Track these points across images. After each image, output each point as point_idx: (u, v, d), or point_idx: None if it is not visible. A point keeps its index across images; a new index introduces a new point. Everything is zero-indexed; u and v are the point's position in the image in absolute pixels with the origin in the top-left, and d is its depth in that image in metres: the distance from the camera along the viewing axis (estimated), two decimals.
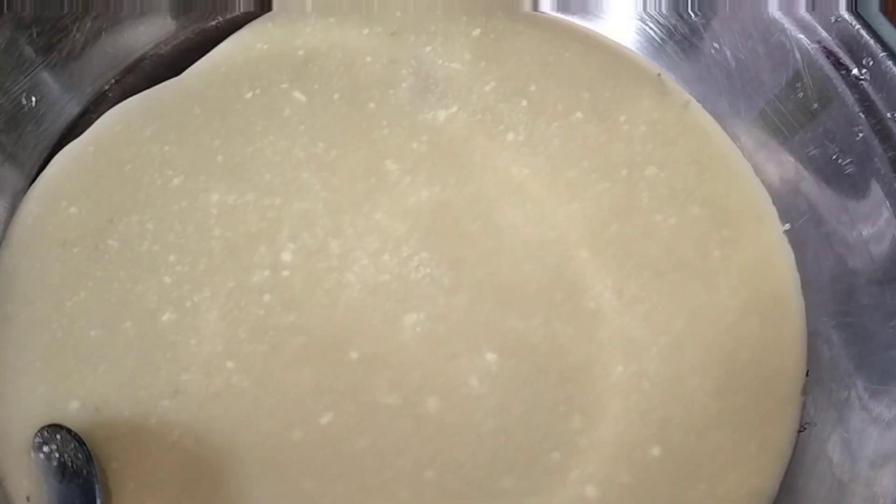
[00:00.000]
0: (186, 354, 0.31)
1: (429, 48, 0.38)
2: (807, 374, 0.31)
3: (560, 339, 0.32)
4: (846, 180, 0.32)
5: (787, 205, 0.34)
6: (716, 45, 0.36)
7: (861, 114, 0.31)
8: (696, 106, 0.37)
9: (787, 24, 0.33)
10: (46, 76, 0.34)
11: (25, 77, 0.33)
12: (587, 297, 0.33)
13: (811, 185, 0.33)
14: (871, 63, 0.31)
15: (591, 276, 0.33)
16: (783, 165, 0.34)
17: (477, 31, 0.38)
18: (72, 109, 0.36)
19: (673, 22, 0.37)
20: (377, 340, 0.32)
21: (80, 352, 0.31)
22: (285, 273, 0.33)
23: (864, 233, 0.31)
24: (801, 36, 0.33)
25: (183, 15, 0.37)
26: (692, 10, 0.35)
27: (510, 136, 0.36)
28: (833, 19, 0.32)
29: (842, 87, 0.32)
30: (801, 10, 0.32)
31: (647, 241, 0.34)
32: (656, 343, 0.32)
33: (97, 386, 0.31)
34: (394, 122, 0.36)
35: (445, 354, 0.32)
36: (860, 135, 0.31)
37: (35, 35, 0.33)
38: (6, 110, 0.33)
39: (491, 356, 0.32)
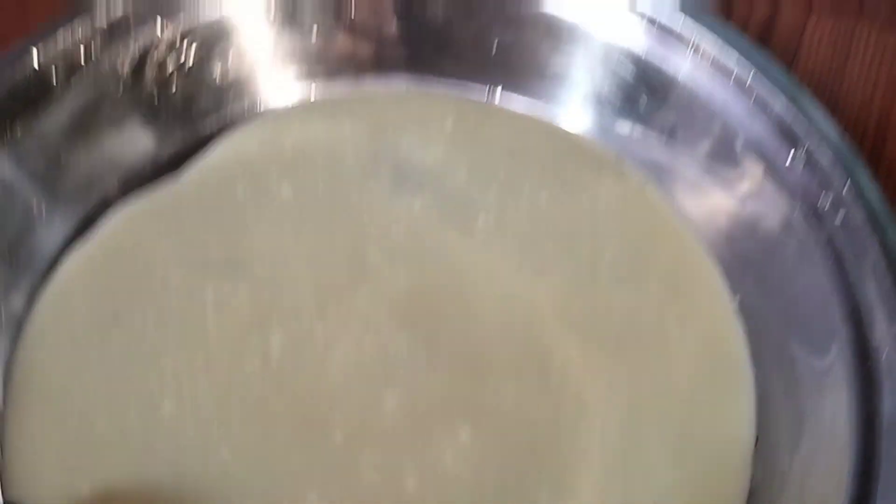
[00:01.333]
0: (185, 441, 0.34)
1: (405, 142, 0.41)
2: (756, 442, 0.34)
3: (529, 412, 0.35)
4: (789, 259, 0.34)
5: (737, 278, 0.37)
6: (668, 130, 0.39)
7: (798, 197, 0.34)
8: (652, 187, 0.39)
9: (729, 114, 0.36)
10: (56, 186, 0.38)
11: (36, 187, 0.37)
12: (554, 371, 0.36)
13: (759, 261, 0.36)
14: (804, 152, 0.34)
15: (558, 351, 0.36)
16: (733, 241, 0.37)
17: (449, 123, 0.42)
18: (79, 214, 0.39)
19: (628, 110, 0.40)
20: (360, 420, 0.34)
21: (90, 440, 0.34)
22: (275, 361, 0.36)
23: (804, 307, 0.33)
24: (743, 123, 0.36)
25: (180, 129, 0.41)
26: (642, 101, 0.39)
27: (481, 221, 0.39)
28: (771, 107, 0.35)
29: (780, 170, 0.35)
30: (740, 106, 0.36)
31: (609, 317, 0.37)
32: (619, 414, 0.35)
33: (105, 471, 0.34)
34: (374, 212, 0.40)
35: (423, 431, 0.34)
36: (797, 215, 0.34)
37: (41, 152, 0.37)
38: (19, 219, 0.37)
39: (465, 432, 0.34)
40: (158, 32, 0.39)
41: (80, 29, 0.37)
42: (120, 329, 0.37)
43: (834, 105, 0.43)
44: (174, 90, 0.40)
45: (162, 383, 0.35)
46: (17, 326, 0.37)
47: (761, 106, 0.35)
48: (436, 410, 0.35)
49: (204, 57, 0.41)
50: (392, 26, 0.41)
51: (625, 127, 0.40)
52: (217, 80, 0.41)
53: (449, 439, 0.34)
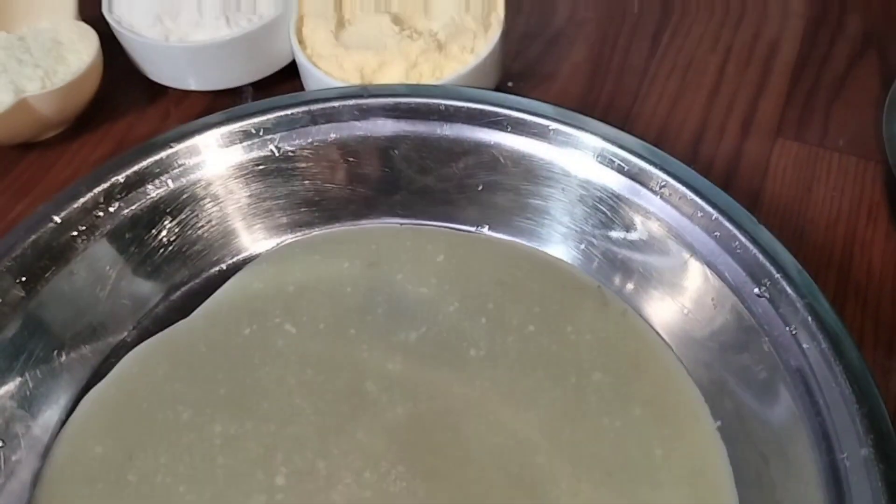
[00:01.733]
0: None
1: (400, 276, 0.44)
2: None
3: None
4: (761, 384, 0.36)
5: (717, 403, 0.39)
6: (643, 263, 0.41)
7: (765, 326, 0.36)
8: (632, 314, 0.42)
9: (698, 248, 0.39)
10: (77, 336, 0.40)
11: (58, 338, 0.40)
12: (546, 500, 0.37)
13: (734, 386, 0.38)
14: (768, 283, 0.36)
15: (548, 480, 0.38)
16: (710, 367, 0.39)
17: (441, 258, 0.45)
18: (97, 357, 0.41)
19: (605, 243, 0.42)
20: None
21: None
22: (279, 496, 0.37)
23: (779, 431, 0.35)
24: (710, 259, 0.38)
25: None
26: (617, 234, 0.42)
27: (472, 352, 0.42)
28: (735, 245, 0.38)
29: (748, 301, 0.37)
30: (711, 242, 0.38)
31: (596, 444, 0.38)
32: None
33: None
34: (372, 345, 0.42)
35: None
36: (766, 344, 0.36)
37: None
38: (43, 368, 0.39)
39: None
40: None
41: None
42: (134, 468, 0.39)
43: (801, 228, 0.46)
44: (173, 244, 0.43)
45: None
46: (37, 469, 0.39)
47: (725, 243, 0.38)
48: None
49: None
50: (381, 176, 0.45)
51: (604, 258, 0.43)
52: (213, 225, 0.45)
53: None
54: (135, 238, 0.42)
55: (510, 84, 0.55)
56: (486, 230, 0.45)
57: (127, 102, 0.56)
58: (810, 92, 0.53)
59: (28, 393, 0.39)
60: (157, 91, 0.56)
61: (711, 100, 0.53)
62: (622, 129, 0.42)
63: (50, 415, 0.40)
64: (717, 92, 0.54)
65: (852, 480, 0.32)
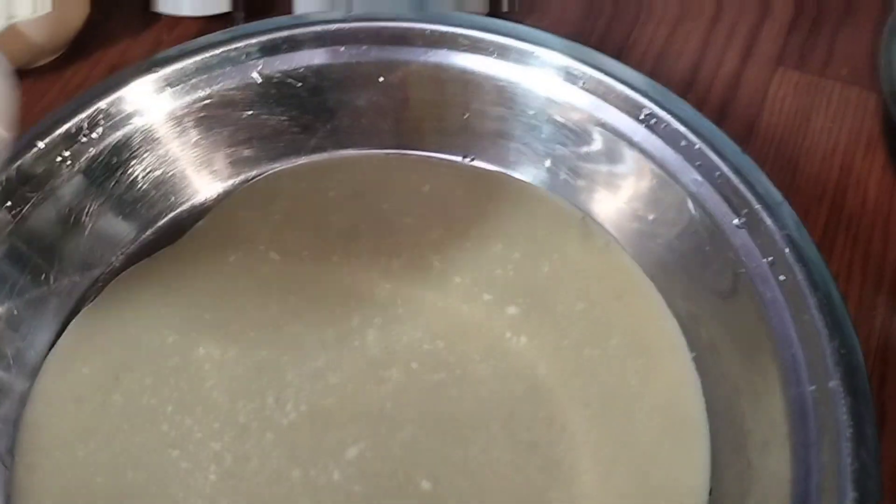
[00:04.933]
0: (183, 496, 0.37)
1: (385, 205, 0.44)
2: (710, 493, 0.35)
3: (497, 468, 0.37)
4: (738, 316, 0.36)
5: (693, 334, 0.38)
6: (626, 194, 0.41)
7: (743, 257, 0.36)
8: (616, 246, 0.42)
9: (680, 178, 0.38)
10: (64, 262, 0.41)
11: (46, 263, 0.41)
12: (522, 428, 0.38)
13: (710, 318, 0.38)
14: (747, 213, 0.36)
15: (526, 409, 0.38)
16: (689, 298, 0.39)
17: (427, 188, 0.45)
18: (86, 282, 0.42)
19: (590, 173, 0.42)
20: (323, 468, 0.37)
21: (90, 497, 0.37)
22: (267, 414, 0.38)
23: (749, 365, 0.35)
24: (692, 189, 0.38)
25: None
26: (601, 164, 0.41)
27: (457, 279, 0.42)
28: (717, 175, 0.37)
29: (727, 232, 0.37)
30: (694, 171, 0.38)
31: (576, 374, 0.39)
32: (586, 469, 0.36)
33: None
34: (356, 273, 0.42)
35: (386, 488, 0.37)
36: (744, 275, 0.36)
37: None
38: (32, 293, 0.40)
39: (426, 485, 0.36)
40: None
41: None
42: (120, 388, 0.40)
43: (796, 160, 0.45)
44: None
45: (160, 440, 0.38)
46: (26, 388, 0.40)
47: (708, 173, 0.37)
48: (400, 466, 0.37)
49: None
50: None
51: (588, 188, 0.42)
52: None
53: (409, 493, 0.36)
54: (119, 165, 0.42)
55: (504, 9, 0.54)
56: (472, 160, 0.45)
57: (119, 28, 0.56)
58: (815, 19, 0.51)
59: (17, 314, 0.40)
60: (150, 17, 0.56)
61: (712, 27, 0.51)
62: (615, 57, 0.41)
63: (40, 337, 0.41)
64: (718, 19, 0.52)
65: (819, 412, 0.32)
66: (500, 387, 0.39)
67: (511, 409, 0.38)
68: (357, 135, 0.45)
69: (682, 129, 0.38)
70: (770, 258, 0.35)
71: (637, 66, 0.41)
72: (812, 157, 0.45)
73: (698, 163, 0.37)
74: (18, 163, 0.39)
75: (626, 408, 0.38)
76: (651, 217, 0.40)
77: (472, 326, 0.40)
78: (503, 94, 0.42)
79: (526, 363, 0.39)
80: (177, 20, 0.55)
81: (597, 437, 0.37)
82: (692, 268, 0.39)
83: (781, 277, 0.35)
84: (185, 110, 0.43)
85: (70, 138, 0.41)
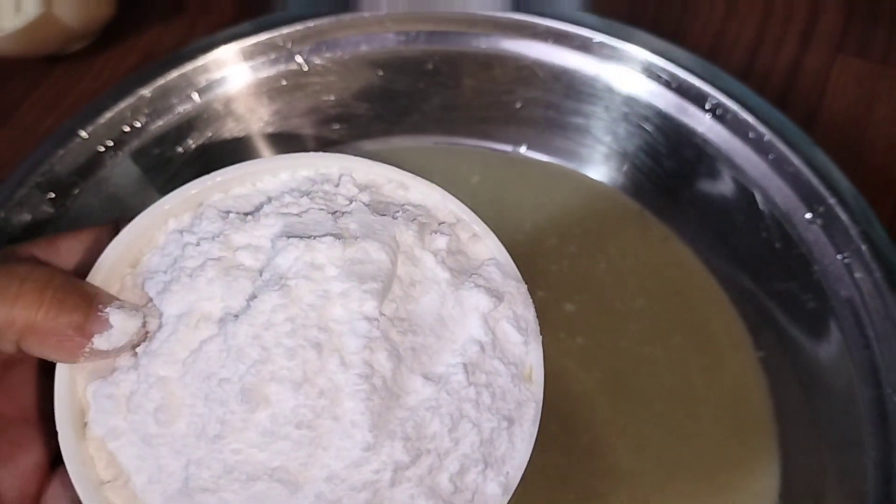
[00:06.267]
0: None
1: None
2: (780, 497, 0.34)
3: (557, 470, 0.36)
4: (809, 315, 0.35)
5: (761, 333, 0.37)
6: (688, 186, 0.39)
7: (815, 253, 0.35)
8: (675, 240, 0.40)
9: (748, 170, 0.37)
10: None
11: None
12: (581, 430, 0.37)
13: (780, 316, 0.36)
14: (822, 209, 0.34)
15: (585, 410, 0.37)
16: (755, 296, 0.38)
17: (476, 179, 0.43)
18: None
19: (649, 164, 0.40)
20: None
21: None
22: None
23: (825, 363, 0.34)
24: (762, 182, 0.36)
25: None
26: (662, 155, 0.39)
27: None
28: (787, 168, 0.35)
29: (798, 227, 0.35)
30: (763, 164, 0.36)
31: (636, 373, 0.37)
32: (647, 471, 0.35)
33: None
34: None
35: None
36: (817, 272, 0.34)
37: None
38: None
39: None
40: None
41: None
42: None
43: (859, 149, 0.43)
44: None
45: None
46: None
47: (778, 165, 0.35)
48: None
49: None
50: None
51: (647, 180, 0.41)
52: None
53: None
54: (161, 154, 0.41)
55: None
56: (523, 150, 0.43)
57: (153, 14, 0.54)
58: (874, 4, 0.49)
59: None
60: (183, 1, 0.54)
61: (768, 11, 0.50)
62: (672, 41, 0.39)
63: None
64: (774, 2, 0.50)
65: None
66: (557, 388, 0.37)
67: (569, 410, 0.37)
68: (404, 123, 0.44)
69: (751, 119, 0.36)
70: (845, 255, 0.34)
71: (691, 53, 0.39)
72: (876, 148, 0.43)
73: (770, 155, 0.36)
74: (62, 152, 0.38)
75: (690, 408, 0.37)
76: (714, 210, 0.39)
77: None
78: (559, 83, 0.41)
79: (583, 364, 0.38)
80: (210, 2, 0.54)
81: (660, 438, 0.36)
82: (759, 264, 0.37)
83: (858, 275, 0.33)
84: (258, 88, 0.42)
85: (113, 126, 0.40)
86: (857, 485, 0.32)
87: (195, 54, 0.41)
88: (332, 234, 0.22)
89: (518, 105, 0.42)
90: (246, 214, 0.24)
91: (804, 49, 0.47)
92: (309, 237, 0.22)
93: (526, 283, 0.40)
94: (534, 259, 0.41)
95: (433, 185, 0.26)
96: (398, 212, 0.24)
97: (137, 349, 0.22)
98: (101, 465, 0.22)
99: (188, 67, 0.41)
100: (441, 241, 0.24)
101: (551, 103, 0.42)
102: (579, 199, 0.42)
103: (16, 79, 0.51)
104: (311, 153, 0.26)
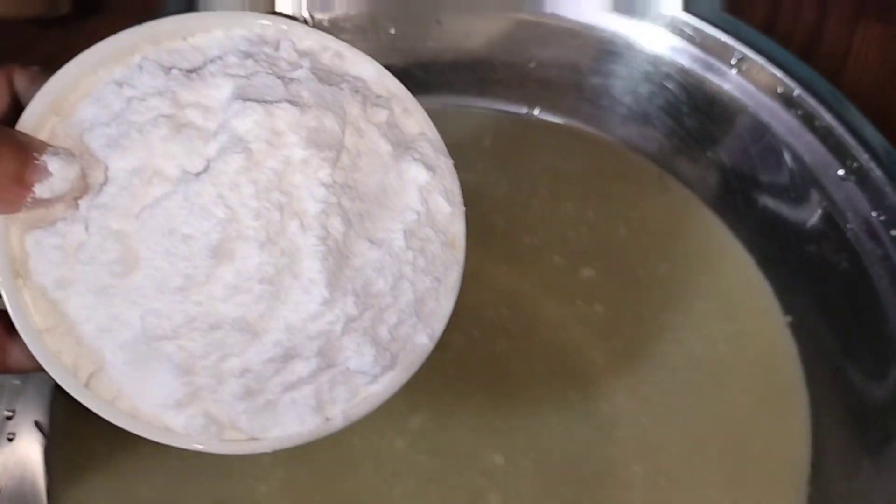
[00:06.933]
0: (240, 465, 0.34)
1: None
2: (812, 466, 0.33)
3: (576, 441, 0.34)
4: (841, 276, 0.33)
5: (789, 297, 0.36)
6: (712, 146, 0.38)
7: (848, 212, 0.33)
8: (697, 203, 0.39)
9: (775, 127, 0.35)
10: None
11: None
12: (601, 399, 0.35)
13: (811, 279, 0.35)
14: (855, 165, 0.33)
15: (606, 378, 0.35)
16: (783, 259, 0.36)
17: (487, 141, 0.41)
18: None
19: (670, 125, 0.39)
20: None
21: None
22: None
23: (860, 327, 0.32)
24: (789, 139, 0.35)
25: None
26: (685, 115, 0.38)
27: (526, 239, 0.39)
28: (817, 123, 0.34)
29: (829, 186, 0.34)
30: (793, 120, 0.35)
31: (658, 340, 0.36)
32: (672, 441, 0.34)
33: None
34: None
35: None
36: (850, 231, 0.33)
37: None
38: None
39: (499, 459, 0.33)
40: None
41: None
42: None
43: (884, 115, 0.42)
44: None
45: None
46: None
47: (807, 121, 0.34)
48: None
49: None
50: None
51: (667, 141, 0.39)
52: None
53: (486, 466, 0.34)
54: None
55: None
56: (537, 112, 0.42)
57: None
58: None
59: None
60: None
61: None
62: None
63: None
64: None
65: None
66: (577, 355, 0.36)
67: (589, 380, 0.35)
68: (409, 82, 0.42)
69: (779, 73, 0.35)
70: (880, 212, 0.32)
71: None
72: None
73: (799, 111, 0.34)
74: None
75: (716, 377, 0.35)
76: (738, 171, 0.37)
77: (545, 289, 0.38)
78: (576, 40, 0.39)
79: (602, 332, 0.36)
80: None
81: (685, 408, 0.34)
82: (787, 225, 0.36)
83: (893, 233, 0.32)
84: None
85: None
86: (894, 455, 0.30)
87: None
88: (288, 101, 0.23)
89: (532, 65, 0.41)
90: (189, 71, 0.24)
91: (824, 14, 0.46)
92: (266, 102, 0.22)
93: (541, 248, 0.39)
94: (550, 225, 0.39)
95: (369, 58, 0.26)
96: (342, 83, 0.25)
97: (81, 202, 0.22)
98: (38, 314, 0.23)
99: None
100: (382, 115, 0.25)
101: (568, 62, 0.40)
102: (597, 162, 0.40)
103: (6, 45, 0.50)
104: (244, 12, 0.26)
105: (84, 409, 0.23)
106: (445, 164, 0.26)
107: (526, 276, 0.38)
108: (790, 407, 0.34)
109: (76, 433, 0.34)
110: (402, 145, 0.25)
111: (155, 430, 0.23)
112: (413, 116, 0.27)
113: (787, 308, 0.36)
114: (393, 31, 0.40)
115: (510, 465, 0.34)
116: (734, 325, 0.36)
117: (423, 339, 0.24)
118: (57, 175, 0.22)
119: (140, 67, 0.24)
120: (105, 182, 0.22)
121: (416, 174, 0.24)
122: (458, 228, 0.26)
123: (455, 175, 0.26)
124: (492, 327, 0.37)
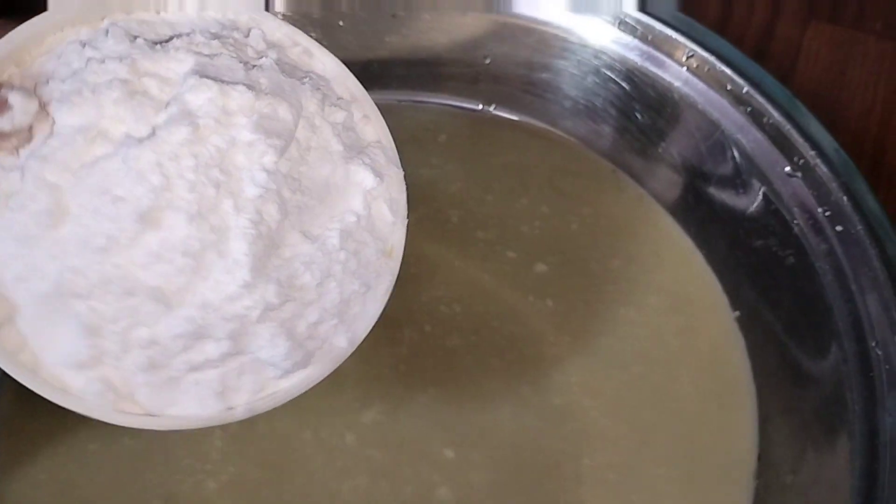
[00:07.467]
0: (189, 462, 0.33)
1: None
2: (758, 459, 0.33)
3: (527, 435, 0.34)
4: (788, 271, 0.34)
5: (738, 292, 0.36)
6: (662, 143, 0.38)
7: (795, 208, 0.34)
8: (649, 200, 0.39)
9: (725, 124, 0.36)
10: None
11: None
12: (553, 392, 0.35)
13: (758, 274, 0.35)
14: (802, 162, 0.33)
15: (558, 372, 0.35)
16: (731, 255, 0.36)
17: (442, 137, 0.41)
18: None
19: (623, 122, 0.39)
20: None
21: None
22: None
23: (803, 321, 0.33)
24: (739, 136, 0.35)
25: None
26: (636, 112, 0.38)
27: (479, 234, 0.39)
28: (766, 121, 0.34)
29: (777, 182, 0.34)
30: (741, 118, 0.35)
31: (610, 335, 0.36)
32: (621, 434, 0.34)
33: None
34: None
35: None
36: (796, 227, 0.33)
37: None
38: None
39: (449, 453, 0.33)
40: None
41: None
42: None
43: (833, 114, 0.43)
44: None
45: None
46: None
47: (756, 118, 0.34)
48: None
49: None
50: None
51: (620, 138, 0.39)
52: None
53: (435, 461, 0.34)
54: None
55: None
56: (492, 108, 0.42)
57: None
58: None
59: None
60: None
61: None
62: None
63: None
64: None
65: (884, 369, 0.30)
66: (528, 349, 0.36)
67: (541, 373, 0.35)
68: (365, 77, 0.42)
69: (729, 71, 0.35)
70: (826, 208, 0.33)
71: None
72: (849, 113, 0.43)
73: (748, 108, 0.35)
74: None
75: (666, 370, 0.35)
76: (689, 168, 0.37)
77: (498, 283, 0.38)
78: (530, 37, 0.39)
79: (555, 326, 0.36)
80: None
81: (635, 401, 0.35)
82: (735, 221, 0.36)
83: (839, 228, 0.32)
84: None
85: None
86: (840, 444, 0.31)
87: None
88: (244, 84, 0.23)
89: (487, 61, 0.41)
90: (155, 43, 0.24)
91: (776, 14, 0.47)
92: (223, 82, 0.23)
93: (494, 242, 0.39)
94: (504, 220, 0.39)
95: (336, 60, 0.27)
96: (305, 78, 0.25)
97: (22, 151, 0.22)
98: None
99: None
100: (339, 115, 0.25)
101: (523, 60, 0.40)
102: (551, 158, 0.41)
103: None
104: None
105: (29, 404, 0.22)
106: (396, 174, 0.26)
107: (479, 270, 0.38)
108: (737, 400, 0.34)
109: (20, 428, 0.34)
110: (355, 149, 0.25)
111: (51, 388, 0.23)
112: (372, 123, 0.27)
113: (736, 303, 0.36)
114: (341, 24, 0.40)
115: (461, 459, 0.34)
116: (684, 319, 0.36)
117: (342, 342, 0.24)
118: (17, 108, 0.22)
119: (107, 32, 0.24)
120: (50, 135, 0.22)
121: (364, 178, 0.25)
122: (397, 239, 0.26)
123: (403, 187, 0.26)
124: (444, 322, 0.37)
